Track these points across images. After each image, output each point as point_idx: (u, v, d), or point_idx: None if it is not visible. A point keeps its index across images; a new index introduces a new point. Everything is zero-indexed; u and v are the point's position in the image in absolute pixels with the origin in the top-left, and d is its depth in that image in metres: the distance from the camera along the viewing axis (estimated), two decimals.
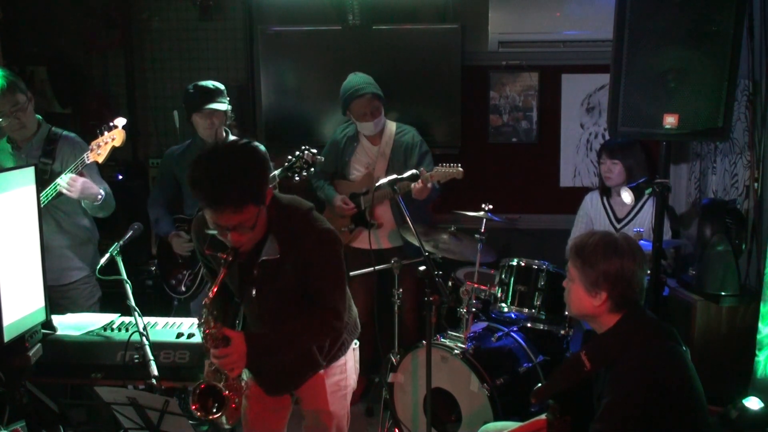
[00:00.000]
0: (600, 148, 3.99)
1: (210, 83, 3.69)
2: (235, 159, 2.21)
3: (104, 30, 4.89)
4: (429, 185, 3.77)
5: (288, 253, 2.38)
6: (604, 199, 3.99)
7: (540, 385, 2.53)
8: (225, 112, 3.69)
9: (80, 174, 3.29)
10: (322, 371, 2.66)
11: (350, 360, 2.79)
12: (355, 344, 2.84)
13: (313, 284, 2.45)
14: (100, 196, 3.40)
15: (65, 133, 3.55)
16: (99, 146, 3.22)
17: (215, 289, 2.30)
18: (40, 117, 3.53)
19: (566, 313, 3.52)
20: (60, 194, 3.29)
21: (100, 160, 3.23)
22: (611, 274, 2.26)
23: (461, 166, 3.71)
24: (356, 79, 4.08)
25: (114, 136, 3.21)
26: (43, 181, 3.33)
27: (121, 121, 3.24)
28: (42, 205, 3.18)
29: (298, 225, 2.41)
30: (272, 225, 2.39)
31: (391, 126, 4.19)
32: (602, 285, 2.27)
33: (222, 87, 3.72)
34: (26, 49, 4.86)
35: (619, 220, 3.93)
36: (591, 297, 2.30)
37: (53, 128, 3.53)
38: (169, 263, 3.85)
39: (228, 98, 3.73)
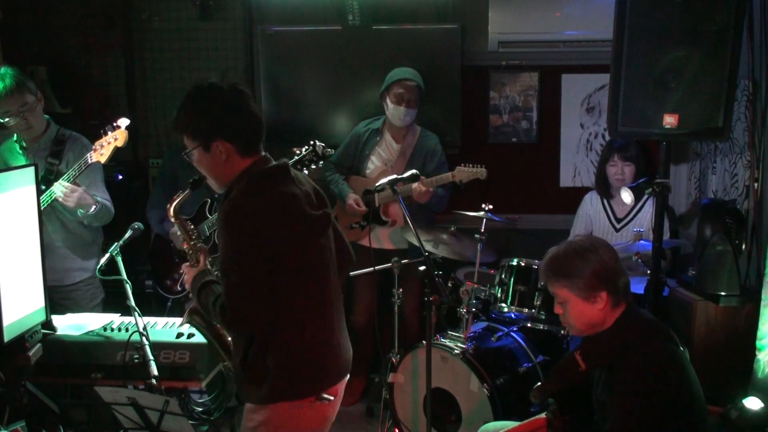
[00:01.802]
0: (609, 150, 3.94)
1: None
2: (194, 92, 2.27)
3: (104, 30, 4.89)
4: (431, 189, 3.78)
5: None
6: (604, 199, 3.99)
7: (539, 383, 2.53)
8: None
9: (75, 183, 3.29)
10: (247, 404, 2.30)
11: (278, 418, 2.22)
12: (312, 405, 2.23)
13: None
14: (93, 208, 3.38)
15: (73, 134, 3.55)
16: (102, 146, 3.23)
17: (176, 200, 2.43)
18: (48, 117, 3.53)
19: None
20: (55, 200, 3.29)
21: (103, 160, 3.24)
22: (599, 271, 2.26)
23: (484, 167, 3.76)
24: (405, 69, 4.12)
25: (117, 137, 3.22)
26: (48, 181, 3.34)
27: (124, 122, 3.25)
28: (42, 208, 3.19)
29: (232, 189, 2.23)
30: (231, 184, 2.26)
31: (417, 129, 4.21)
32: (598, 286, 2.26)
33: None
34: (26, 49, 4.85)
35: (618, 220, 3.93)
36: (593, 304, 2.28)
37: (61, 129, 3.54)
38: (164, 263, 3.86)
39: None
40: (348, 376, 2.42)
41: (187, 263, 2.42)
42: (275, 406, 2.22)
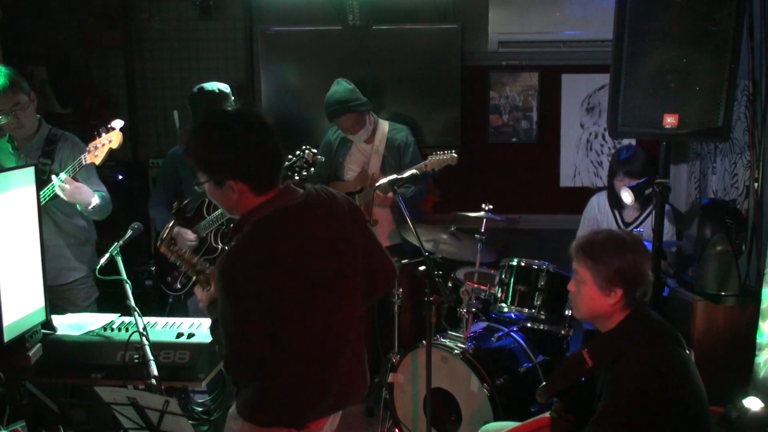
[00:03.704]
0: (616, 164, 3.88)
1: (215, 87, 3.70)
2: (206, 121, 2.17)
3: (104, 30, 4.89)
4: (390, 195, 3.73)
5: None
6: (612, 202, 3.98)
7: (545, 383, 2.52)
8: None
9: (75, 178, 3.29)
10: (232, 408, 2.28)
11: None
12: None
13: None
14: (91, 205, 3.39)
15: (65, 133, 3.55)
16: (96, 148, 3.23)
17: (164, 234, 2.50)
18: (39, 116, 3.53)
19: (567, 312, 3.52)
20: (57, 195, 3.29)
21: (98, 161, 3.23)
22: (626, 270, 2.25)
23: (455, 152, 3.71)
24: (335, 95, 4.04)
25: (111, 138, 3.21)
26: (41, 181, 3.33)
27: (118, 123, 3.24)
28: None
29: (239, 228, 2.14)
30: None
31: (384, 125, 4.21)
32: (617, 282, 2.26)
33: (227, 90, 3.74)
34: (26, 49, 4.86)
35: (627, 224, 3.92)
36: (605, 296, 2.28)
37: (53, 129, 3.53)
38: (166, 260, 3.86)
39: (233, 98, 3.76)
40: (331, 416, 2.30)
41: (199, 287, 2.34)
42: (247, 425, 2.19)
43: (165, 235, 2.46)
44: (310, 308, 2.14)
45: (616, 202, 3.95)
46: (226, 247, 2.15)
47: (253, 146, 2.09)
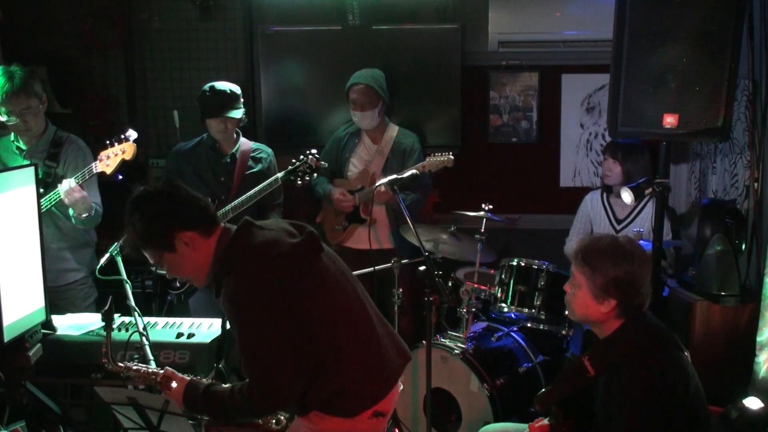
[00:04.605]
0: (606, 145, 3.97)
1: (227, 88, 3.71)
2: (133, 205, 2.26)
3: (104, 30, 4.89)
4: (390, 192, 3.74)
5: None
6: (605, 199, 3.98)
7: (543, 390, 2.51)
8: (240, 118, 3.75)
9: (81, 186, 3.28)
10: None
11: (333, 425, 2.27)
12: (368, 419, 2.30)
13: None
14: (84, 216, 3.38)
15: (70, 136, 3.55)
16: (108, 157, 3.23)
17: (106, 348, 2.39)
18: (45, 118, 3.52)
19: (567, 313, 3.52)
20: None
21: (109, 171, 3.24)
22: (622, 282, 2.23)
23: (452, 154, 3.71)
24: (361, 72, 4.11)
25: (124, 149, 3.22)
26: (46, 184, 3.33)
27: (132, 134, 3.25)
28: (44, 210, 3.20)
29: (219, 279, 2.23)
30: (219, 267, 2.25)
31: (394, 128, 4.20)
32: (612, 292, 2.23)
33: (238, 91, 3.74)
34: (26, 49, 4.85)
35: (619, 221, 3.92)
36: (599, 304, 2.26)
37: (58, 131, 3.53)
38: None
39: (242, 101, 3.76)
40: (398, 380, 2.44)
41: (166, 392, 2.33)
42: (335, 420, 2.25)
43: (107, 350, 2.40)
44: (326, 296, 2.24)
45: (606, 187, 3.96)
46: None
47: (178, 196, 2.25)
